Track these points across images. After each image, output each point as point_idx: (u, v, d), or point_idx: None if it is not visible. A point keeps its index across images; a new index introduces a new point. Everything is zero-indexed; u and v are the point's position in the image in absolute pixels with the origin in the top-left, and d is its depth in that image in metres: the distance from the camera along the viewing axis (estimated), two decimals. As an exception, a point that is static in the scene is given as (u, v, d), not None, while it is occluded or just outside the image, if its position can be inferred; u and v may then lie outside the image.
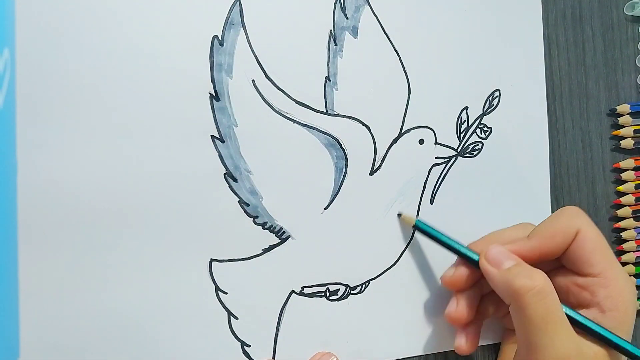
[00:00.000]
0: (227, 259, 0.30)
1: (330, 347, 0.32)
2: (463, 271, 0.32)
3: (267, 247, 0.31)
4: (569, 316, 0.29)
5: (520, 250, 0.30)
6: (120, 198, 0.28)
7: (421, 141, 0.34)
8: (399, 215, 0.33)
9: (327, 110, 0.32)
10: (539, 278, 0.28)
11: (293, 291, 0.31)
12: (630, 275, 0.39)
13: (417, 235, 0.34)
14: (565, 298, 0.31)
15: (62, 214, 0.27)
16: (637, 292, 0.30)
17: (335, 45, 0.32)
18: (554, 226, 0.31)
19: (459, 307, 0.32)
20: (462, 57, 0.35)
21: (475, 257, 0.31)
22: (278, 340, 0.31)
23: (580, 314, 0.29)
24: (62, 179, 0.27)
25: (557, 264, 0.32)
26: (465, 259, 0.32)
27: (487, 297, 0.33)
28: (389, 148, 0.33)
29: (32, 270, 0.26)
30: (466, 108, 0.35)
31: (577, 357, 0.27)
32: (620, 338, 0.29)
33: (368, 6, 0.32)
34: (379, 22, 0.33)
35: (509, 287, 0.28)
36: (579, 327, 0.29)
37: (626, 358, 0.29)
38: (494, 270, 0.30)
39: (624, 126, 0.39)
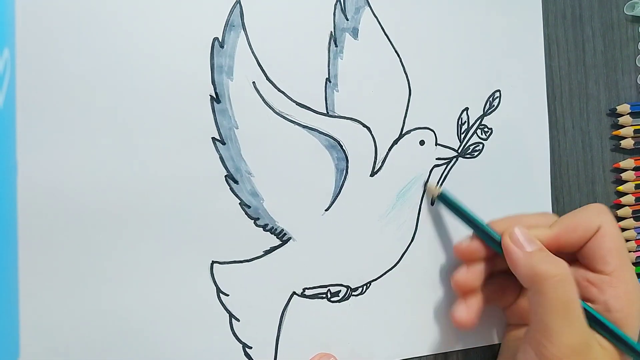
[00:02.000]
0: (228, 260, 0.30)
1: (332, 349, 0.32)
2: (478, 245, 0.32)
3: (268, 248, 0.31)
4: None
5: (541, 237, 0.31)
6: (121, 200, 0.28)
7: (422, 142, 0.34)
8: (426, 183, 0.34)
9: (327, 112, 0.32)
10: (563, 266, 0.28)
11: (294, 293, 0.31)
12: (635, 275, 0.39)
13: (418, 235, 0.34)
14: None
15: (63, 215, 0.27)
16: None
17: (336, 46, 0.32)
18: (578, 219, 0.31)
19: (468, 273, 0.32)
20: (462, 57, 0.35)
21: (497, 236, 0.31)
22: (279, 341, 0.31)
23: (591, 307, 0.30)
24: (62, 180, 0.27)
25: (571, 258, 0.32)
26: (484, 237, 0.32)
27: (495, 281, 0.33)
28: (389, 149, 0.33)
29: (32, 270, 0.26)
30: (467, 109, 0.35)
31: (586, 348, 0.28)
32: (627, 335, 0.29)
33: (368, 7, 0.33)
34: (379, 23, 0.33)
35: (532, 270, 0.29)
36: (590, 321, 0.29)
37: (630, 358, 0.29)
38: (517, 251, 0.30)
39: (624, 126, 0.39)
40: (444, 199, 0.33)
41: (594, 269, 0.31)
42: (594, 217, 0.31)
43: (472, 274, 0.32)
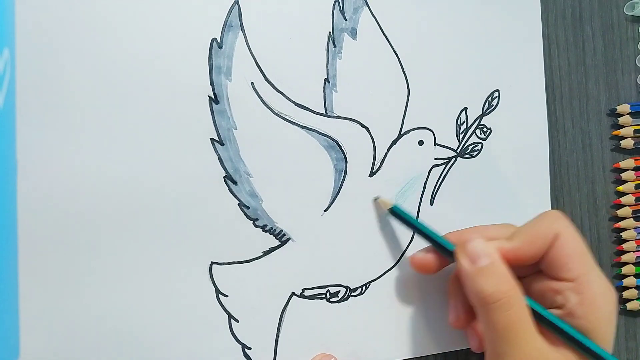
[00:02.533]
0: (227, 261, 0.30)
1: (331, 349, 0.32)
2: (432, 257, 0.32)
3: (267, 249, 0.31)
4: (541, 317, 0.29)
5: (499, 250, 0.30)
6: (121, 200, 0.28)
7: (421, 142, 0.34)
8: (376, 199, 0.33)
9: (326, 112, 0.32)
10: (505, 287, 0.28)
11: (293, 293, 0.31)
12: (630, 276, 0.39)
13: (417, 235, 0.34)
14: (539, 302, 0.30)
15: (62, 215, 0.27)
16: (616, 299, 0.30)
17: (334, 47, 0.32)
18: (535, 230, 0.30)
19: (461, 315, 0.32)
20: (461, 57, 0.35)
21: (451, 247, 0.31)
22: (279, 342, 0.31)
23: (552, 314, 0.29)
24: (61, 180, 0.27)
25: (535, 269, 0.31)
26: (439, 248, 0.32)
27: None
28: (388, 149, 0.33)
29: (32, 270, 0.26)
30: (465, 109, 0.35)
31: None
32: (588, 339, 0.28)
33: (367, 7, 0.33)
34: (378, 23, 0.33)
35: (475, 291, 0.28)
36: (552, 330, 0.29)
37: None
38: (466, 266, 0.29)
39: (624, 126, 0.39)
40: (396, 213, 0.32)
41: (557, 277, 0.30)
42: (550, 225, 0.30)
43: (464, 314, 0.32)
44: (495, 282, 0.28)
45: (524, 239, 0.30)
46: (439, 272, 0.34)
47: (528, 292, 0.31)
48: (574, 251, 0.30)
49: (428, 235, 0.32)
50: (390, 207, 0.32)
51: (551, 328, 0.29)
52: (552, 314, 0.29)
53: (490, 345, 0.28)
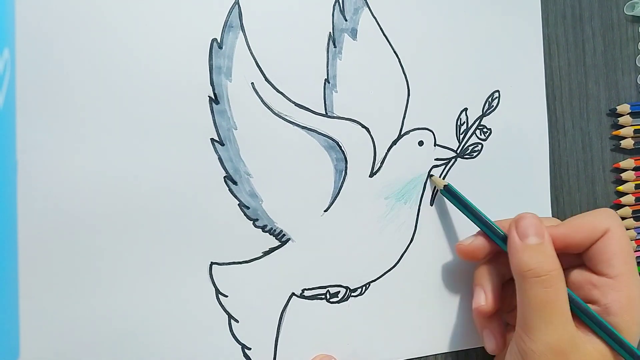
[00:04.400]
0: (227, 262, 0.30)
1: (331, 350, 0.32)
2: (481, 242, 0.32)
3: (267, 249, 0.31)
4: (577, 306, 0.29)
5: (549, 233, 0.30)
6: (120, 200, 0.28)
7: (421, 143, 0.34)
8: (431, 175, 0.34)
9: (326, 113, 0.32)
10: (549, 267, 0.28)
11: (293, 294, 0.31)
12: None
13: (417, 236, 0.34)
14: (575, 293, 0.31)
15: (62, 215, 0.27)
16: None
17: (335, 47, 0.32)
18: (586, 220, 0.31)
19: (487, 299, 0.32)
20: (461, 58, 0.35)
21: (501, 231, 0.31)
22: (279, 342, 0.31)
23: (588, 306, 0.30)
24: (61, 180, 0.27)
25: (577, 261, 0.32)
26: (488, 231, 0.32)
27: (504, 287, 0.33)
28: (388, 150, 0.33)
29: (32, 270, 0.27)
30: (465, 109, 0.35)
31: (571, 348, 0.28)
32: (622, 337, 0.29)
33: (367, 8, 0.33)
34: (378, 24, 0.33)
35: (519, 264, 0.29)
36: (586, 321, 0.29)
37: None
38: (516, 241, 0.30)
39: (624, 126, 0.39)
40: (449, 192, 0.33)
41: (598, 272, 0.30)
42: (602, 219, 0.31)
43: (491, 299, 0.32)
44: (540, 259, 0.29)
45: (572, 227, 0.31)
46: (439, 273, 0.34)
47: (567, 282, 0.31)
48: (620, 249, 0.30)
49: (480, 217, 0.32)
50: (444, 185, 0.33)
51: (586, 319, 0.29)
52: (587, 305, 0.30)
53: (522, 318, 0.29)
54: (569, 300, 0.29)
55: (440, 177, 0.34)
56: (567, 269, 0.32)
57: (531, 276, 0.28)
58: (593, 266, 0.31)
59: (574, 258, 0.32)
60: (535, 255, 0.29)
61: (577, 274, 0.32)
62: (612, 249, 0.30)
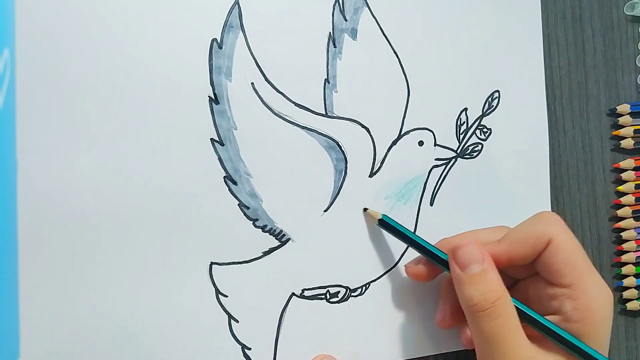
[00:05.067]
0: (227, 262, 0.30)
1: (331, 350, 0.32)
2: (425, 266, 0.32)
3: (267, 249, 0.31)
4: (533, 321, 0.29)
5: (490, 252, 0.30)
6: (120, 200, 0.28)
7: (421, 143, 0.34)
8: (365, 210, 0.33)
9: (326, 113, 0.32)
10: (493, 297, 0.28)
11: (293, 294, 0.31)
12: (630, 276, 0.39)
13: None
14: (535, 307, 0.30)
15: (62, 215, 0.27)
16: (612, 301, 0.29)
17: (335, 47, 0.32)
18: (526, 232, 0.30)
19: (447, 316, 0.32)
20: (461, 58, 0.35)
21: (444, 257, 0.31)
22: (279, 343, 0.31)
23: (542, 317, 0.29)
24: (61, 180, 0.27)
25: (532, 271, 0.31)
26: (431, 258, 0.31)
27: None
28: (388, 150, 0.33)
29: (32, 270, 0.26)
30: (465, 109, 0.35)
31: None
32: (581, 342, 0.28)
33: (367, 8, 0.33)
34: (378, 24, 0.33)
35: (463, 299, 0.29)
36: (545, 334, 0.29)
37: None
38: (458, 274, 0.29)
39: (624, 126, 0.39)
40: (385, 224, 0.32)
41: (552, 282, 0.30)
42: (544, 228, 0.30)
43: (451, 314, 0.32)
44: (483, 290, 0.28)
45: (515, 242, 0.30)
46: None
47: (525, 296, 0.31)
48: (568, 257, 0.29)
49: (420, 245, 0.31)
50: (378, 217, 0.32)
51: (544, 332, 0.29)
52: (542, 317, 0.29)
53: (479, 352, 0.29)
54: (525, 317, 0.29)
55: (440, 177, 0.34)
56: (523, 279, 0.32)
57: (477, 310, 0.28)
58: (546, 276, 0.30)
59: (528, 268, 0.31)
60: (478, 287, 0.28)
61: (533, 287, 0.31)
62: (559, 259, 0.29)
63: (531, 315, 0.29)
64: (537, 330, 0.29)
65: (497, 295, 0.28)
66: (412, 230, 0.34)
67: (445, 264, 0.30)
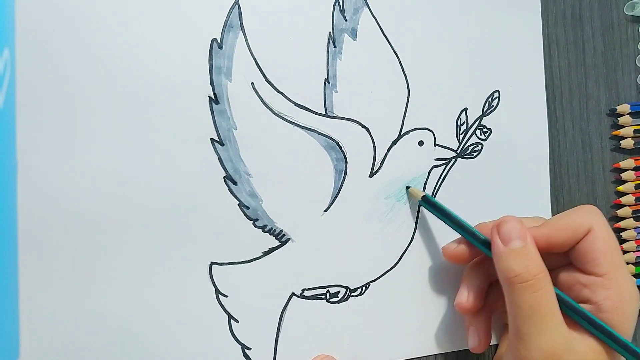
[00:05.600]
0: (227, 262, 0.30)
1: (331, 350, 0.32)
2: (465, 247, 0.32)
3: (267, 249, 0.31)
4: (568, 306, 0.29)
5: (531, 234, 0.30)
6: (120, 200, 0.28)
7: (421, 143, 0.34)
8: (407, 187, 0.33)
9: (326, 113, 0.32)
10: (535, 270, 0.28)
11: (293, 294, 0.31)
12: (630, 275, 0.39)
13: (417, 236, 0.34)
14: (566, 294, 0.30)
15: (62, 216, 0.27)
16: (638, 298, 0.30)
17: (335, 47, 0.32)
18: (567, 219, 0.31)
19: (470, 296, 0.32)
20: (461, 58, 0.35)
21: (483, 236, 0.31)
22: (279, 343, 0.31)
23: (579, 305, 0.30)
24: (61, 180, 0.27)
25: (565, 261, 0.32)
26: (471, 238, 0.32)
27: (493, 287, 0.33)
28: (388, 150, 0.33)
29: (32, 270, 0.27)
30: (465, 109, 0.35)
31: (566, 351, 0.28)
32: (615, 332, 0.28)
33: (367, 8, 0.33)
34: (378, 24, 0.33)
35: (504, 271, 0.29)
36: (578, 320, 0.29)
37: (623, 358, 0.29)
38: (499, 247, 0.29)
39: (624, 126, 0.39)
40: (428, 202, 0.33)
41: (586, 271, 0.30)
42: (584, 218, 0.30)
43: (473, 296, 0.32)
44: (525, 263, 0.28)
45: (555, 227, 0.30)
46: (438, 273, 0.34)
47: (556, 283, 0.31)
48: (606, 247, 0.30)
49: (461, 224, 0.32)
50: (422, 196, 0.33)
51: (577, 318, 0.29)
52: (579, 304, 0.30)
53: (514, 325, 0.29)
54: (560, 301, 0.29)
55: (440, 177, 0.34)
56: (555, 269, 0.32)
57: (518, 282, 0.28)
58: (580, 265, 0.31)
59: (561, 257, 0.32)
60: (520, 260, 0.29)
61: (566, 274, 0.31)
62: (597, 248, 0.30)
63: (567, 299, 0.29)
64: (571, 316, 0.29)
65: (539, 270, 0.28)
66: (412, 230, 0.34)
67: (483, 244, 0.31)
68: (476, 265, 0.33)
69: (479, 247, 0.31)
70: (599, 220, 0.30)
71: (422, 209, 0.34)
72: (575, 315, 0.29)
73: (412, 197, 0.33)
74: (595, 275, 0.30)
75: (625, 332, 0.29)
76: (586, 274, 0.30)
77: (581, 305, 0.30)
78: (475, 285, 0.32)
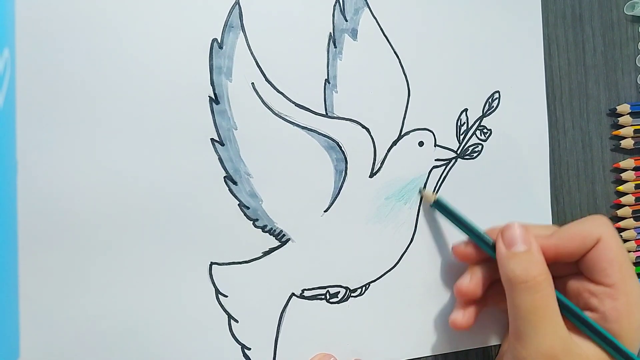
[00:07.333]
0: (227, 262, 0.30)
1: (331, 350, 0.32)
2: (473, 249, 0.33)
3: (267, 250, 0.31)
4: (570, 312, 0.29)
5: (540, 245, 0.30)
6: (121, 200, 0.28)
7: (421, 143, 0.34)
8: (420, 191, 0.34)
9: (326, 113, 0.32)
10: (535, 272, 0.29)
11: (293, 294, 0.31)
12: None
13: (417, 236, 0.34)
14: (573, 302, 0.31)
15: (62, 215, 0.27)
16: None
17: (335, 47, 0.32)
18: (577, 229, 0.31)
19: (471, 282, 0.32)
20: (461, 58, 0.35)
21: (490, 240, 0.31)
22: (278, 343, 0.31)
23: (582, 312, 0.30)
24: (61, 180, 0.27)
25: (573, 269, 0.32)
26: (479, 242, 0.32)
27: (495, 285, 0.33)
28: (388, 150, 0.33)
29: (32, 270, 0.27)
30: (466, 110, 0.35)
31: (564, 353, 0.28)
32: (617, 342, 0.29)
33: (367, 8, 0.33)
34: (379, 24, 0.33)
35: (505, 273, 0.29)
36: (581, 327, 0.29)
37: None
38: (502, 250, 0.30)
39: (624, 126, 0.39)
40: (440, 206, 0.33)
41: (595, 280, 0.30)
42: (594, 227, 0.30)
43: (475, 283, 0.32)
44: (525, 266, 0.29)
45: (564, 237, 0.31)
46: (439, 273, 0.34)
47: (564, 291, 0.32)
48: (615, 257, 0.30)
49: (470, 229, 0.32)
50: (435, 199, 0.33)
51: (581, 326, 0.29)
52: (582, 311, 0.30)
53: (513, 325, 0.29)
54: (564, 308, 0.29)
55: (440, 177, 0.34)
56: (564, 276, 0.32)
57: (517, 282, 0.28)
58: (589, 274, 0.31)
59: (571, 265, 0.32)
60: (520, 262, 0.29)
61: (574, 282, 0.32)
62: (606, 258, 0.30)
63: (570, 307, 0.30)
64: (575, 323, 0.29)
65: (539, 272, 0.29)
66: (412, 231, 0.34)
67: (490, 248, 0.31)
68: (483, 261, 0.33)
69: (486, 250, 0.32)
70: (608, 230, 0.30)
71: (422, 209, 0.34)
72: (577, 321, 0.29)
73: (424, 198, 0.34)
74: (604, 285, 0.30)
75: (631, 343, 0.29)
76: (594, 283, 0.30)
77: (588, 313, 0.30)
78: (478, 275, 0.32)
